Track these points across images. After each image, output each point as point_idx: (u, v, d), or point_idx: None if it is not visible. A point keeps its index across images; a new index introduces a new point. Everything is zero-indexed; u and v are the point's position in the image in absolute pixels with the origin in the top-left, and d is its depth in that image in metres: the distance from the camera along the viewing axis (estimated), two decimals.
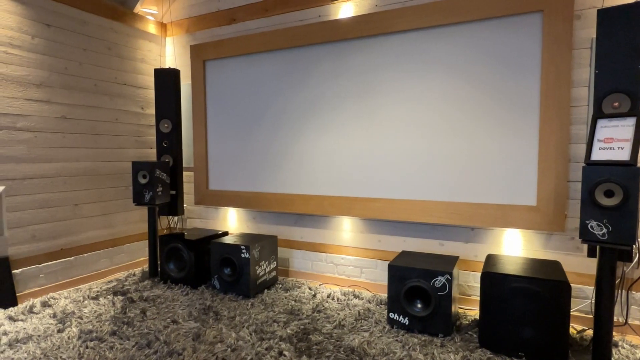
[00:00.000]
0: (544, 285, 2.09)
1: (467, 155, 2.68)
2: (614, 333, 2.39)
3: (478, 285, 2.77)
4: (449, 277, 2.33)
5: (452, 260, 2.55)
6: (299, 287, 3.15)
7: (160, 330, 2.40)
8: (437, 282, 2.36)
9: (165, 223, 4.03)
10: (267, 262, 3.13)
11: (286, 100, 3.29)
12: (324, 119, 3.14)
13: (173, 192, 3.61)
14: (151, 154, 3.94)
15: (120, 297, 2.93)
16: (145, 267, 3.81)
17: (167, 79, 3.56)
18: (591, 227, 1.94)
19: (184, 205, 3.94)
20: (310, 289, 3.12)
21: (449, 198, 2.74)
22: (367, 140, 2.99)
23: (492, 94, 2.60)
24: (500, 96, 2.58)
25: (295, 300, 2.88)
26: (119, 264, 3.65)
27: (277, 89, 3.33)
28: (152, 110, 3.95)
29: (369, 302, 2.85)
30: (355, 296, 2.95)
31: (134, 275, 3.50)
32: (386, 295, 3.00)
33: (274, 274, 3.23)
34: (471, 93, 2.65)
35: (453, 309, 2.39)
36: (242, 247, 2.94)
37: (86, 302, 2.87)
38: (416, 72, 2.80)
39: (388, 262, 2.55)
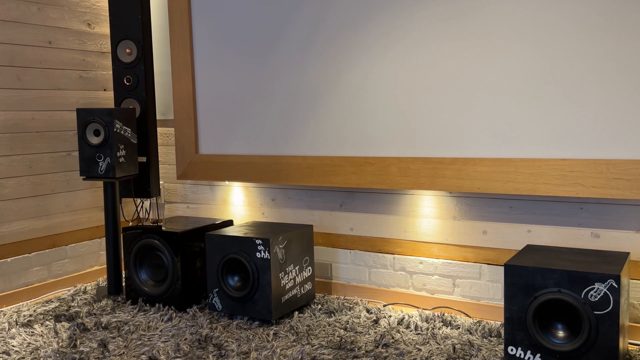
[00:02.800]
0: None
1: None
2: None
3: None
4: (615, 285, 2.23)
5: (617, 258, 2.46)
6: (349, 309, 3.15)
7: None
8: (593, 292, 2.27)
9: (132, 211, 4.08)
10: (297, 268, 3.14)
11: (323, 2, 3.24)
12: (388, 30, 3.09)
13: (143, 159, 3.64)
14: (105, 99, 3.97)
15: (66, 324, 3.00)
16: (102, 279, 3.88)
17: None
18: None
19: (160, 182, 3.96)
20: (368, 311, 3.11)
21: (608, 153, 2.64)
22: (462, 62, 2.93)
23: None
24: None
25: (345, 329, 2.88)
26: (61, 274, 3.72)
27: None
28: (104, 28, 3.95)
29: (470, 333, 2.82)
30: (446, 323, 2.93)
31: (85, 292, 3.58)
32: (498, 320, 2.94)
33: (308, 287, 3.24)
34: None
35: (621, 341, 2.29)
36: (258, 241, 2.94)
37: (13, 330, 2.93)
38: None
39: (504, 264, 2.46)
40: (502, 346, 2.61)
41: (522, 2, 2.75)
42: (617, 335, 2.23)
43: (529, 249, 2.69)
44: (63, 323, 3.01)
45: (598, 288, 2.26)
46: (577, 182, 2.67)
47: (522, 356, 2.40)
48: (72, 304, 3.32)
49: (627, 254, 2.54)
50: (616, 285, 2.22)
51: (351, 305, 3.20)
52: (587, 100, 2.66)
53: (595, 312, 2.26)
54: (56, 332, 2.88)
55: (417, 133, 3.06)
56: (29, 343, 2.75)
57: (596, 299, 2.26)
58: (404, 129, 3.09)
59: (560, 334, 2.36)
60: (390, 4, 3.06)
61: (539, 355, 2.37)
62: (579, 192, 2.66)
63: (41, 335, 2.84)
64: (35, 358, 2.58)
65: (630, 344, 2.68)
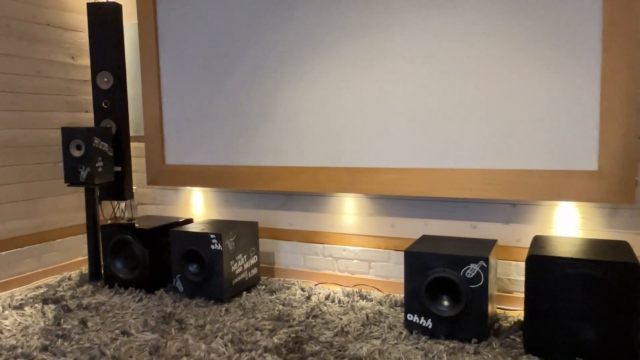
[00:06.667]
0: (608, 269, 2.12)
1: (507, 107, 2.70)
2: None
3: (522, 278, 2.83)
4: (484, 265, 2.36)
5: (487, 245, 2.60)
6: (287, 288, 3.20)
7: (107, 343, 2.43)
8: (468, 271, 2.39)
9: (110, 211, 4.04)
10: (245, 257, 3.17)
11: (266, 42, 3.29)
12: (315, 64, 3.15)
13: (118, 168, 3.61)
14: (86, 119, 3.92)
15: (52, 306, 2.96)
16: (84, 268, 3.83)
17: (105, 17, 3.53)
18: None
19: (133, 187, 3.94)
20: (302, 290, 3.17)
21: (482, 164, 2.77)
22: (374, 91, 3.01)
23: (538, 21, 2.59)
24: (550, 25, 2.57)
25: (283, 304, 2.92)
26: (49, 265, 3.66)
27: (254, 27, 3.31)
28: (86, 60, 3.91)
29: (380, 304, 2.91)
30: (363, 297, 3.01)
31: (69, 279, 3.53)
32: (402, 294, 3.03)
33: (254, 271, 3.27)
34: (512, 22, 2.65)
35: (490, 307, 2.43)
36: (212, 235, 2.96)
37: (7, 312, 2.88)
38: None
39: (404, 251, 2.55)
40: (404, 313, 2.69)
41: (418, 48, 2.86)
42: (486, 302, 2.37)
43: (424, 238, 2.79)
44: (50, 305, 2.97)
45: (473, 267, 2.38)
46: (459, 187, 2.79)
47: (418, 321, 2.49)
48: (58, 289, 3.26)
49: (495, 240, 2.67)
50: (485, 265, 2.36)
51: (289, 286, 3.24)
52: (468, 125, 2.78)
53: (470, 286, 2.38)
54: (43, 313, 2.84)
55: (341, 148, 3.12)
56: (20, 322, 2.71)
57: (471, 276, 2.38)
58: (331, 144, 3.15)
59: (445, 303, 2.46)
60: (319, 43, 3.11)
61: (430, 320, 2.46)
62: (461, 194, 2.79)
63: (30, 316, 2.80)
64: (25, 335, 2.55)
65: (498, 308, 2.83)
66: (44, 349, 2.39)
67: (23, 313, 2.85)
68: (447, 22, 2.79)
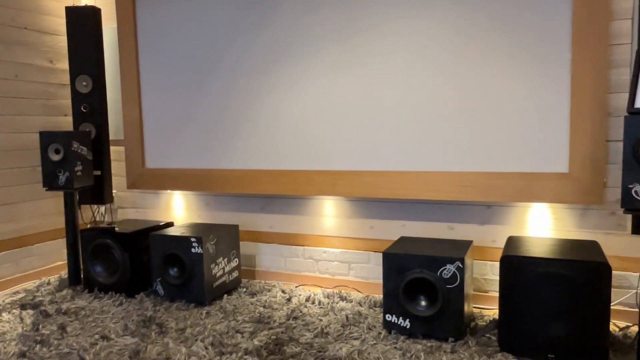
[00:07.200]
0: (578, 268, 2.16)
1: (481, 111, 2.74)
2: None
3: (497, 278, 2.86)
4: (460, 265, 2.39)
5: (464, 246, 2.63)
6: (268, 291, 3.19)
7: (86, 348, 2.40)
8: (445, 271, 2.42)
9: (89, 215, 3.99)
10: (225, 260, 3.15)
11: (245, 47, 3.28)
12: (294, 69, 3.15)
13: (97, 172, 3.57)
14: (65, 123, 3.87)
15: (31, 311, 2.91)
16: (64, 273, 3.77)
17: (84, 21, 3.49)
18: (636, 192, 2.00)
19: (113, 191, 3.89)
20: (283, 292, 3.16)
21: (458, 167, 2.81)
22: (352, 95, 3.02)
23: (511, 29, 2.64)
24: (522, 32, 2.62)
25: (264, 307, 2.92)
26: (28, 270, 3.60)
27: (233, 31, 3.30)
28: (64, 64, 3.86)
29: (360, 305, 2.92)
30: (342, 298, 3.02)
31: (48, 284, 3.48)
32: (381, 295, 3.07)
33: (235, 274, 3.25)
34: (486, 29, 2.69)
35: (466, 306, 2.46)
36: (193, 239, 2.94)
37: None
38: (417, 3, 2.81)
39: (383, 252, 2.57)
40: (382, 314, 2.72)
41: (395, 53, 2.89)
42: (462, 302, 2.40)
43: (402, 239, 2.82)
44: (28, 310, 2.91)
45: (449, 268, 2.41)
46: (436, 189, 2.83)
47: (396, 321, 2.51)
48: (37, 294, 3.21)
49: (471, 241, 2.71)
50: (462, 266, 2.39)
51: (270, 288, 3.24)
52: (444, 129, 2.82)
53: (447, 286, 2.41)
54: (21, 319, 2.79)
55: (319, 151, 3.13)
56: None
57: (448, 276, 2.41)
58: (309, 147, 3.15)
59: (423, 303, 2.48)
60: (298, 47, 3.12)
61: (408, 320, 2.49)
62: (438, 196, 2.82)
63: (8, 322, 2.75)
64: (2, 341, 2.50)
65: (474, 307, 2.87)
66: (22, 355, 2.34)
67: (1, 319, 2.80)
68: (423, 28, 2.82)
